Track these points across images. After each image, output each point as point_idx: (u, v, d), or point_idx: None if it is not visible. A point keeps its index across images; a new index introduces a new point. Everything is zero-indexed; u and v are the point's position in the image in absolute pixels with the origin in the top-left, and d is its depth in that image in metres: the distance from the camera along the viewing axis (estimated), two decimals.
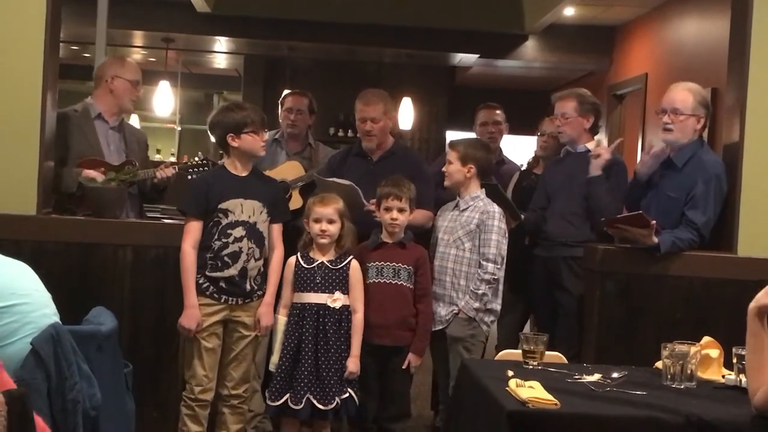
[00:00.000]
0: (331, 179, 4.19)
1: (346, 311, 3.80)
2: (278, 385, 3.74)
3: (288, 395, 3.71)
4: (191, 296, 3.69)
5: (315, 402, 3.70)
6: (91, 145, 4.22)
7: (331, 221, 3.79)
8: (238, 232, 3.75)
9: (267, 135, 3.93)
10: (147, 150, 4.66)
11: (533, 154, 5.05)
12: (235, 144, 3.79)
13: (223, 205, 3.74)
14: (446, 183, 4.12)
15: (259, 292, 3.83)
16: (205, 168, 4.29)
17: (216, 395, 3.80)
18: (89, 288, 3.78)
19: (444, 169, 4.14)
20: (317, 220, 3.79)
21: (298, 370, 3.72)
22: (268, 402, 3.76)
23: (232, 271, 3.74)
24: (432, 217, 4.26)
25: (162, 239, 3.81)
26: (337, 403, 3.73)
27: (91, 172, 4.02)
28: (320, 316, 3.76)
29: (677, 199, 3.98)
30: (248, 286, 3.77)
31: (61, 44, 4.19)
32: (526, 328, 4.87)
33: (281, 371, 3.74)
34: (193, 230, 3.74)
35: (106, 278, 3.82)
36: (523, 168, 5.29)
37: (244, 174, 3.84)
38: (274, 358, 3.78)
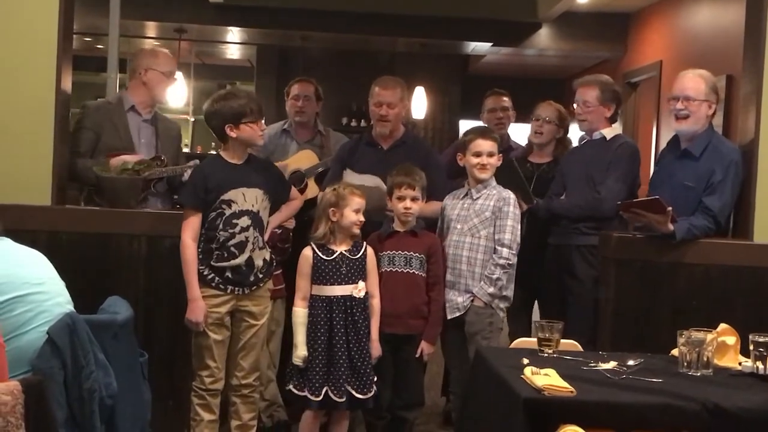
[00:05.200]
0: (359, 182, 4.12)
1: (367, 299, 3.82)
2: (319, 381, 3.71)
3: (326, 388, 3.71)
4: (194, 289, 3.66)
5: (353, 392, 3.72)
6: (121, 137, 4.18)
7: (360, 211, 3.81)
8: (244, 221, 3.71)
9: (264, 123, 3.84)
10: (180, 141, 4.61)
11: (528, 140, 4.98)
12: (233, 134, 3.71)
13: (225, 197, 3.69)
14: (488, 175, 4.01)
15: (265, 279, 3.81)
16: None
17: (226, 385, 3.79)
18: (104, 278, 3.79)
19: (486, 161, 4.01)
20: (357, 210, 3.79)
21: (334, 362, 3.71)
22: (311, 398, 3.71)
23: (239, 261, 3.71)
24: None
25: (176, 228, 3.79)
26: (375, 391, 3.75)
27: (119, 159, 3.98)
28: (348, 307, 3.76)
29: (695, 189, 3.95)
30: (253, 277, 3.75)
31: (74, 36, 4.20)
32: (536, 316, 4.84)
33: (318, 366, 3.71)
34: (193, 222, 3.69)
35: (121, 268, 3.83)
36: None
37: (240, 162, 3.79)
38: (301, 352, 3.73)
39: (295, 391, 3.76)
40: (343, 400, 3.71)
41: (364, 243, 3.87)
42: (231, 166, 3.77)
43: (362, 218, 3.80)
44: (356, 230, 3.81)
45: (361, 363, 3.74)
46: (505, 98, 5.15)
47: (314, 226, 3.85)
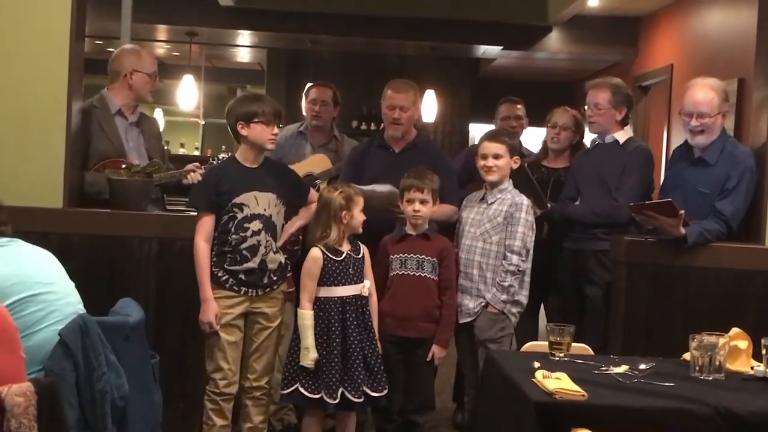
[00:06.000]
0: (370, 188, 4.12)
1: (369, 297, 3.84)
2: (335, 383, 3.67)
3: (341, 389, 3.69)
4: (206, 290, 3.68)
5: (369, 391, 3.71)
6: (113, 144, 4.14)
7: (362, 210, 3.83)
8: (256, 225, 3.72)
9: (278, 130, 3.85)
10: (161, 140, 4.59)
11: (542, 145, 4.98)
12: (244, 133, 3.74)
13: (237, 200, 3.70)
14: (495, 177, 4.01)
15: (279, 282, 3.82)
16: None
17: (239, 388, 3.80)
18: (115, 280, 3.79)
19: (492, 163, 4.01)
20: (362, 210, 3.79)
21: (350, 363, 3.70)
22: (329, 400, 3.67)
23: (251, 265, 3.72)
24: (456, 212, 4.23)
25: (187, 231, 3.81)
26: (386, 389, 3.75)
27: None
28: (358, 306, 3.76)
29: (709, 194, 3.93)
30: (266, 279, 3.76)
31: (85, 39, 4.21)
32: (542, 321, 4.83)
33: (335, 368, 3.68)
34: (206, 224, 3.70)
35: (132, 270, 3.83)
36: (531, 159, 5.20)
37: (255, 165, 3.80)
38: (312, 354, 3.68)
39: (308, 394, 3.70)
40: (362, 399, 3.70)
41: (359, 242, 3.87)
42: (245, 169, 3.78)
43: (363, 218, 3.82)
44: (360, 230, 3.82)
45: (374, 360, 3.74)
46: (519, 106, 5.14)
47: (321, 231, 3.80)
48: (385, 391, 3.75)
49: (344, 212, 3.76)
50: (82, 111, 4.09)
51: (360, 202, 3.80)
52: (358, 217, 3.79)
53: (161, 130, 4.82)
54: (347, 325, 3.73)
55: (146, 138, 4.32)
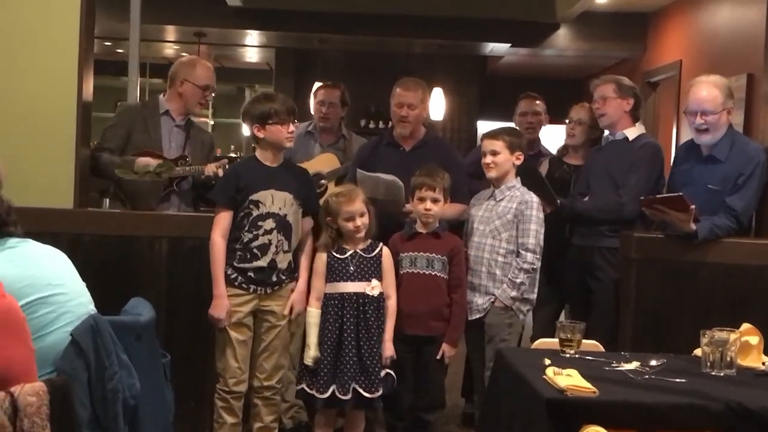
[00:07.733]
0: (375, 174, 4.13)
1: (382, 299, 3.81)
2: (324, 377, 3.71)
3: (333, 386, 3.70)
4: (220, 286, 3.71)
5: (361, 391, 3.70)
6: (152, 138, 4.26)
7: (362, 214, 3.79)
8: (269, 224, 3.75)
9: (294, 126, 3.86)
10: (212, 151, 4.59)
11: (563, 143, 4.99)
12: (260, 135, 3.78)
13: (254, 197, 3.74)
14: (494, 174, 4.03)
15: (287, 281, 3.83)
16: None
17: (249, 387, 3.81)
18: (126, 280, 3.82)
19: (489, 160, 4.04)
20: (350, 219, 3.77)
21: (342, 360, 3.71)
22: (318, 396, 3.71)
23: (261, 263, 3.74)
24: (466, 210, 4.23)
25: (197, 230, 3.83)
26: (383, 390, 3.74)
27: (143, 159, 4.06)
28: (359, 304, 3.76)
29: (720, 191, 3.92)
30: (275, 278, 3.78)
31: (95, 40, 4.23)
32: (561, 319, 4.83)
33: (326, 363, 3.71)
34: (223, 220, 3.74)
35: (143, 270, 3.85)
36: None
37: (274, 164, 3.84)
38: (312, 352, 3.73)
39: (308, 390, 3.76)
40: (348, 398, 3.70)
41: (380, 243, 3.86)
42: (263, 167, 3.82)
43: (359, 222, 3.77)
44: (359, 235, 3.80)
45: (370, 362, 3.72)
46: (538, 102, 5.14)
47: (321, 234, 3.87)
48: (378, 393, 3.73)
49: (328, 218, 3.81)
50: (132, 107, 4.32)
51: (343, 212, 3.76)
52: (344, 225, 3.78)
53: None
54: (344, 322, 3.73)
55: (192, 142, 4.38)
